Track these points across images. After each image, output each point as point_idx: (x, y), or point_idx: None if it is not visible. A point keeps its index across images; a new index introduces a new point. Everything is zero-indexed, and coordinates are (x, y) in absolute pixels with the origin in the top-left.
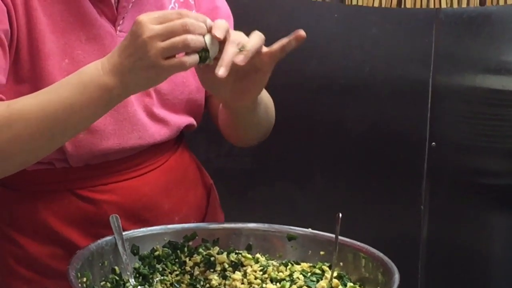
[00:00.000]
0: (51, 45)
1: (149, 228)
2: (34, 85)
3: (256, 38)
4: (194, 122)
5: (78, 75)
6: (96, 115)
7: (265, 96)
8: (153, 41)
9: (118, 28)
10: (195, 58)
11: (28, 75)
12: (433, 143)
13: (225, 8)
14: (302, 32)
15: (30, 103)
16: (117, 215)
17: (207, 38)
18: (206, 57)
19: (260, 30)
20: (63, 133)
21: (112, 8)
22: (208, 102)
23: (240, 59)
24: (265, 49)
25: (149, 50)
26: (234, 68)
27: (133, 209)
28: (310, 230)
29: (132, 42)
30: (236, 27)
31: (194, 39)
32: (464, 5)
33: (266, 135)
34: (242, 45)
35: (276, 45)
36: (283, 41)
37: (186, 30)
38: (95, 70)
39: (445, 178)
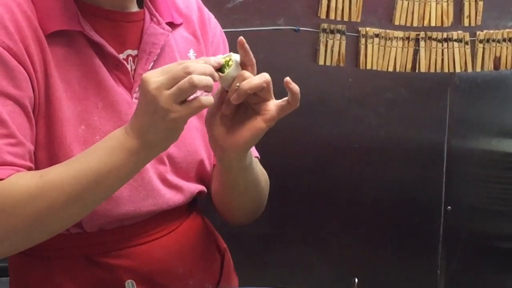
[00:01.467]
0: (68, 112)
1: None
2: (50, 151)
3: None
4: (205, 189)
5: (106, 142)
6: (125, 178)
7: (258, 168)
8: (160, 91)
9: (134, 95)
10: (209, 98)
11: (44, 141)
12: (449, 207)
13: None
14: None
15: (61, 172)
16: (132, 281)
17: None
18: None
19: (275, 95)
20: (94, 198)
21: (129, 76)
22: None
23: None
24: (275, 102)
25: (159, 100)
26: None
27: (148, 273)
28: None
29: (143, 100)
30: None
31: (199, 77)
32: (478, 69)
33: (256, 213)
34: None
35: (283, 102)
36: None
37: (188, 72)
38: (121, 134)
39: (461, 241)
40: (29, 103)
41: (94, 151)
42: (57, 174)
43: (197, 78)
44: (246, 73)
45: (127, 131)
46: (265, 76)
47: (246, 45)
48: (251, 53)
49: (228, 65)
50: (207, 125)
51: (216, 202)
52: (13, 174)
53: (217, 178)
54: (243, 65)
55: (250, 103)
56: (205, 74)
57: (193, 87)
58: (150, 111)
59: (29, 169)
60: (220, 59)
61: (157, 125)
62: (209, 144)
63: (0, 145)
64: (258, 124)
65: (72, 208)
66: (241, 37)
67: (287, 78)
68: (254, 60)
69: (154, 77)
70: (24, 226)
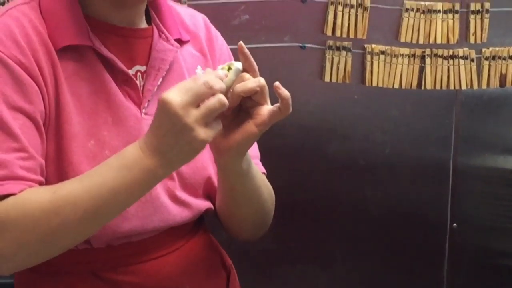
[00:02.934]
0: (77, 127)
1: None
2: (59, 165)
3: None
4: (212, 206)
5: (120, 159)
6: (139, 196)
7: (260, 179)
8: (187, 110)
9: (143, 111)
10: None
11: (53, 155)
12: (454, 224)
13: None
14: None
15: (75, 188)
16: None
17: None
18: None
19: None
20: (108, 215)
21: (138, 91)
22: None
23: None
24: (268, 107)
25: (187, 120)
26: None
27: None
28: None
29: (165, 120)
30: None
31: (223, 98)
32: (484, 86)
33: (261, 227)
34: None
35: (274, 108)
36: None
37: (211, 87)
38: (136, 153)
39: (466, 259)
40: (40, 117)
41: (108, 168)
42: (70, 191)
43: (223, 98)
44: (246, 75)
45: (142, 149)
46: (259, 81)
47: (246, 50)
48: (251, 58)
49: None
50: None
51: (220, 215)
52: (25, 189)
53: (218, 188)
54: (245, 71)
55: (245, 106)
56: (222, 89)
57: (223, 106)
58: (175, 131)
59: (41, 183)
60: (224, 71)
61: (181, 145)
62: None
63: (11, 159)
64: (250, 128)
65: (85, 224)
66: (241, 42)
67: (277, 83)
68: (255, 66)
69: (176, 97)
70: (36, 241)
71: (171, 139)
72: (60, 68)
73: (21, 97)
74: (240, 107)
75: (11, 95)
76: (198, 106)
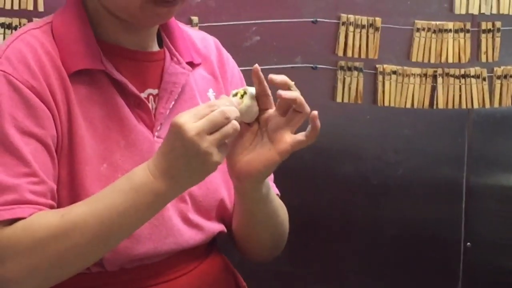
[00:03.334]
0: (90, 150)
1: None
2: (72, 189)
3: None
4: (225, 230)
5: (129, 181)
6: (149, 218)
7: (277, 202)
8: (202, 136)
9: (156, 134)
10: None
11: (66, 179)
12: (468, 243)
13: None
14: (314, 113)
15: (83, 212)
16: None
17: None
18: None
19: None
20: (117, 238)
21: (150, 115)
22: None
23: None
24: (291, 135)
25: (202, 145)
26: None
27: None
28: None
29: (178, 145)
30: None
31: (237, 124)
32: (496, 105)
33: (276, 249)
34: None
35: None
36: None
37: (227, 118)
38: (145, 176)
39: (481, 278)
40: (52, 142)
41: (116, 191)
42: (79, 214)
43: (237, 124)
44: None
45: (151, 172)
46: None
47: (261, 74)
48: (265, 83)
49: (242, 98)
50: (228, 155)
51: (236, 238)
52: (34, 213)
53: (236, 210)
54: (258, 95)
55: (269, 130)
56: (238, 119)
57: (236, 132)
58: (188, 156)
59: (51, 207)
60: (237, 98)
61: (193, 169)
62: (228, 172)
63: (22, 184)
64: (271, 155)
65: (95, 247)
66: (256, 65)
67: (315, 113)
68: (269, 90)
69: (191, 122)
70: (46, 265)
71: (183, 163)
72: (73, 92)
73: (33, 122)
74: (261, 131)
75: (23, 120)
76: (211, 133)
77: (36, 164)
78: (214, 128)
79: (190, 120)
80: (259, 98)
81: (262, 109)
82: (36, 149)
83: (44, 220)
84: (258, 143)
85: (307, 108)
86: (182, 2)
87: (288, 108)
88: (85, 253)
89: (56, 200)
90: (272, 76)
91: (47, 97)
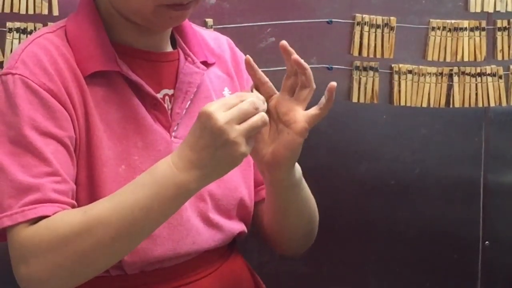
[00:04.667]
0: (108, 152)
1: None
2: (91, 191)
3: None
4: (246, 229)
5: (151, 175)
6: (172, 212)
7: (307, 192)
8: (231, 125)
9: (173, 134)
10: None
11: (85, 181)
12: (487, 242)
13: None
14: (332, 84)
15: (106, 207)
16: None
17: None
18: None
19: (309, 133)
20: (141, 233)
21: (167, 115)
22: (254, 212)
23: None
24: (303, 112)
25: (230, 134)
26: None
27: None
28: None
29: (206, 134)
30: None
31: (266, 116)
32: None
33: (308, 239)
34: None
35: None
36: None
37: (257, 109)
38: (168, 168)
39: (500, 277)
40: (70, 143)
41: (139, 186)
42: (102, 210)
43: (266, 116)
44: None
45: (175, 164)
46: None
47: (253, 63)
48: (260, 71)
49: None
50: (252, 153)
51: (269, 232)
52: (58, 211)
53: (269, 205)
54: (256, 86)
55: (279, 114)
56: (265, 110)
57: (265, 124)
58: (216, 146)
59: (73, 206)
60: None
61: (219, 159)
62: (259, 170)
63: (45, 183)
64: (292, 138)
65: (118, 244)
66: (248, 56)
67: (333, 84)
68: (265, 77)
69: (220, 111)
70: (70, 263)
71: (210, 153)
72: (89, 94)
73: (52, 123)
74: (274, 120)
75: (42, 121)
76: (240, 123)
77: (57, 163)
78: (243, 118)
79: (220, 109)
80: (260, 87)
81: (267, 98)
82: (57, 150)
83: (66, 217)
84: (275, 133)
85: (313, 83)
86: (195, 5)
87: (294, 86)
88: (108, 250)
89: (75, 201)
90: (284, 42)
91: (64, 99)
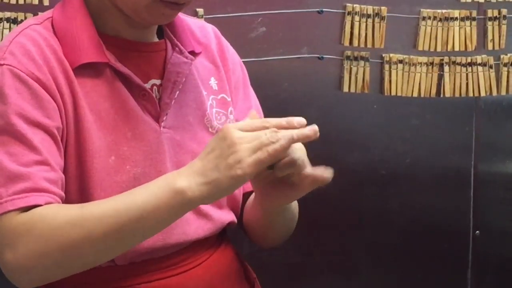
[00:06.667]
0: (97, 143)
1: None
2: (81, 182)
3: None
4: (235, 219)
5: (156, 180)
6: (166, 219)
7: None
8: (242, 143)
9: (162, 124)
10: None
11: (75, 172)
12: (477, 232)
13: (258, 108)
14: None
15: (104, 203)
16: None
17: None
18: None
19: None
20: (133, 235)
21: (155, 105)
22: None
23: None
24: (309, 169)
25: (239, 151)
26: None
27: None
28: None
29: (217, 144)
30: None
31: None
32: (503, 92)
33: (289, 235)
34: None
35: (317, 173)
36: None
37: (274, 141)
38: (170, 175)
39: (490, 266)
40: (58, 133)
41: (141, 188)
42: (98, 206)
43: (278, 148)
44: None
45: (180, 172)
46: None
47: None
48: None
49: None
50: (255, 183)
51: (249, 230)
52: (51, 203)
53: (253, 211)
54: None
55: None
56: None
57: (276, 153)
58: (223, 155)
59: (62, 198)
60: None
61: (221, 171)
62: (255, 194)
63: (35, 172)
64: (295, 191)
65: (109, 241)
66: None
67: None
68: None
69: (238, 129)
70: (58, 253)
71: (214, 163)
72: (78, 86)
73: (40, 113)
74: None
75: (30, 110)
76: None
77: (46, 152)
78: (258, 146)
79: (240, 128)
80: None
81: None
82: (44, 139)
83: (63, 209)
84: (282, 185)
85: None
86: (187, 5)
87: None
88: (99, 246)
89: (64, 191)
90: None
91: (53, 89)
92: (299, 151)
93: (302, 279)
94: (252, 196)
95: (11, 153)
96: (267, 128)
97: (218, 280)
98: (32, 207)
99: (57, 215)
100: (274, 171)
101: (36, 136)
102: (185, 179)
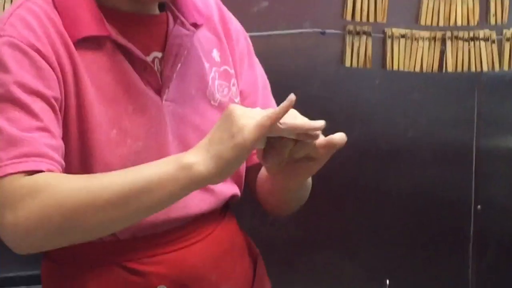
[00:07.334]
0: (99, 116)
1: None
2: (82, 155)
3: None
4: (238, 192)
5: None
6: (171, 195)
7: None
8: (244, 113)
9: (164, 97)
10: None
11: (76, 145)
12: (479, 206)
13: (263, 79)
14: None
15: (112, 174)
16: (164, 286)
17: None
18: None
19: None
20: (136, 207)
21: (157, 78)
22: (248, 175)
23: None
24: (321, 139)
25: (241, 118)
26: (287, 153)
27: (181, 280)
28: None
29: (222, 120)
30: (278, 96)
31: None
32: (506, 67)
33: (303, 201)
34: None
35: (330, 139)
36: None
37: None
38: (181, 153)
39: (491, 241)
40: (57, 103)
41: (149, 163)
42: (106, 175)
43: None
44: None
45: (189, 151)
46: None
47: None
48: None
49: None
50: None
51: (262, 202)
52: (53, 171)
53: (269, 189)
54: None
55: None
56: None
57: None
58: (226, 125)
59: (62, 166)
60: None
61: (225, 140)
62: (272, 177)
63: (36, 137)
64: (313, 163)
65: (112, 210)
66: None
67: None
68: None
69: (242, 107)
70: (60, 217)
71: (219, 134)
72: (79, 59)
73: (40, 82)
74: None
75: (29, 80)
76: None
77: (46, 120)
78: (257, 111)
79: (244, 107)
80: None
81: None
82: (44, 108)
83: (70, 176)
84: (299, 160)
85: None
86: None
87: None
88: (101, 215)
89: (65, 162)
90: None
91: (53, 61)
92: (298, 118)
93: (303, 254)
94: (263, 169)
95: (11, 118)
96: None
97: (221, 254)
98: (34, 172)
99: (63, 180)
100: (290, 155)
101: (37, 104)
102: (193, 155)
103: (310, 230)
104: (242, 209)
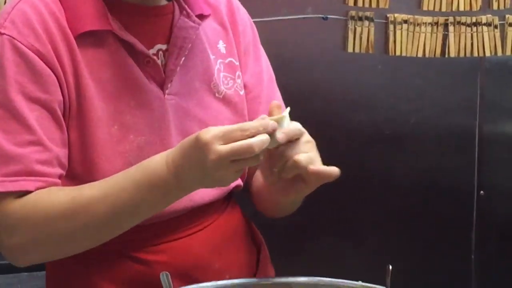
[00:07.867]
0: (100, 112)
1: (199, 285)
2: (83, 152)
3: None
4: (241, 183)
5: (145, 174)
6: (163, 207)
7: None
8: (221, 161)
9: (167, 91)
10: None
11: (77, 142)
12: (482, 192)
13: (269, 71)
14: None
15: (96, 198)
16: (167, 273)
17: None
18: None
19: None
20: (127, 225)
21: (160, 72)
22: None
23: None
24: (315, 166)
25: (219, 171)
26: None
27: (185, 268)
28: (360, 282)
29: (197, 158)
30: (281, 83)
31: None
32: (508, 52)
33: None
34: None
35: (322, 169)
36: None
37: (252, 152)
38: (160, 165)
39: (494, 226)
40: (58, 107)
41: (130, 182)
42: (91, 200)
43: (261, 157)
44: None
45: (168, 165)
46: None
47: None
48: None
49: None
50: (264, 178)
51: (255, 203)
52: (42, 187)
53: (262, 195)
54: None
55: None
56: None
57: (256, 162)
58: (204, 173)
59: (59, 176)
60: (274, 123)
61: (205, 183)
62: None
63: (27, 154)
64: (304, 186)
65: (104, 231)
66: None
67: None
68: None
69: (216, 143)
70: (52, 241)
71: (197, 175)
72: (80, 54)
73: (38, 88)
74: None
75: (28, 85)
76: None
77: (41, 130)
78: (236, 158)
79: (217, 141)
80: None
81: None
82: (41, 116)
83: (55, 198)
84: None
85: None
86: None
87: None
88: (93, 235)
89: (66, 167)
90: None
91: (52, 61)
92: (305, 146)
93: (307, 240)
94: (259, 174)
95: (6, 130)
96: (245, 135)
97: (224, 242)
98: (23, 192)
99: (50, 204)
100: (281, 174)
101: (33, 113)
102: (174, 179)
103: (313, 217)
104: (244, 195)
